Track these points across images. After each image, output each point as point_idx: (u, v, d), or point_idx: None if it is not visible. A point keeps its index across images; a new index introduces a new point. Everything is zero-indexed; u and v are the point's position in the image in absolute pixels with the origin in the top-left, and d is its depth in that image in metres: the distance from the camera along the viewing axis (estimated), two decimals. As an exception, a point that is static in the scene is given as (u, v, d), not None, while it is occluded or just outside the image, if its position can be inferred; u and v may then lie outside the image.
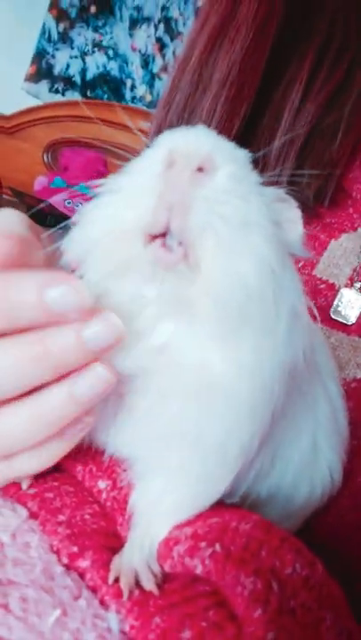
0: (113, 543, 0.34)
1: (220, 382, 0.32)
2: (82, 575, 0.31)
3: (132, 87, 2.53)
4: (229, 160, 0.32)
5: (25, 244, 0.31)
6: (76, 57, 2.49)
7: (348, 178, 0.61)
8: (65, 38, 2.46)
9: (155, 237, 0.30)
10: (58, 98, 2.48)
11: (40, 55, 2.44)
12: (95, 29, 2.48)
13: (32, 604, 0.28)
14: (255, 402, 0.32)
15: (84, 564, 0.31)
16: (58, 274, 0.29)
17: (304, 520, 0.47)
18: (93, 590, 0.30)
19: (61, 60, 2.47)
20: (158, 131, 0.57)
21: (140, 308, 0.32)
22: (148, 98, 2.52)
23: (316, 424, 0.45)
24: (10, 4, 2.31)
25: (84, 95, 2.50)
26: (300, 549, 0.32)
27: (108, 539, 0.34)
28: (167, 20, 2.49)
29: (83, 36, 2.48)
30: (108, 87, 2.50)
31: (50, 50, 2.45)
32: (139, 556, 0.33)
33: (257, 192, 0.33)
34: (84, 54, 2.49)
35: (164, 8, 2.48)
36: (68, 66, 2.49)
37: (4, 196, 2.23)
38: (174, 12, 2.47)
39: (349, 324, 0.58)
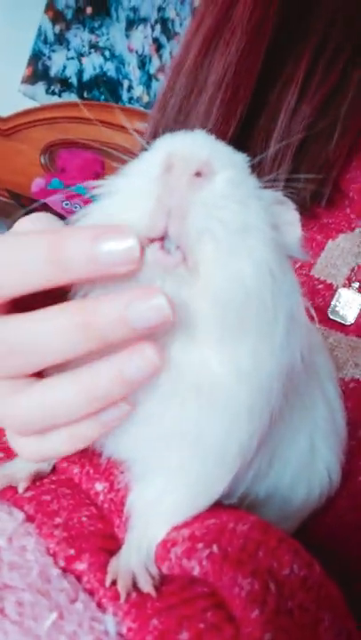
0: (110, 545, 0.34)
1: (219, 383, 0.32)
2: (79, 578, 0.31)
3: (129, 88, 2.53)
4: (228, 165, 0.32)
5: None
6: (72, 58, 2.49)
7: (345, 178, 0.61)
8: (61, 40, 2.46)
9: (153, 240, 0.30)
10: (55, 99, 2.47)
11: (36, 57, 2.44)
12: (91, 30, 2.48)
13: (28, 608, 0.28)
14: (253, 403, 0.33)
15: (80, 566, 0.31)
16: (111, 227, 0.29)
17: (302, 521, 0.47)
18: (90, 593, 0.30)
19: (58, 61, 2.47)
20: (154, 133, 0.57)
21: None
22: (146, 98, 2.52)
23: (314, 425, 0.45)
24: (5, 5, 2.31)
25: (80, 96, 2.50)
26: (298, 550, 0.32)
27: (105, 541, 0.34)
28: (164, 21, 2.49)
29: (79, 37, 2.47)
30: (105, 88, 2.49)
31: (46, 51, 2.45)
32: (136, 558, 0.33)
33: (255, 196, 0.33)
34: (80, 55, 2.49)
35: (160, 9, 2.47)
36: (64, 67, 2.48)
37: (1, 198, 2.22)
38: (171, 13, 2.47)
39: (347, 324, 0.58)
